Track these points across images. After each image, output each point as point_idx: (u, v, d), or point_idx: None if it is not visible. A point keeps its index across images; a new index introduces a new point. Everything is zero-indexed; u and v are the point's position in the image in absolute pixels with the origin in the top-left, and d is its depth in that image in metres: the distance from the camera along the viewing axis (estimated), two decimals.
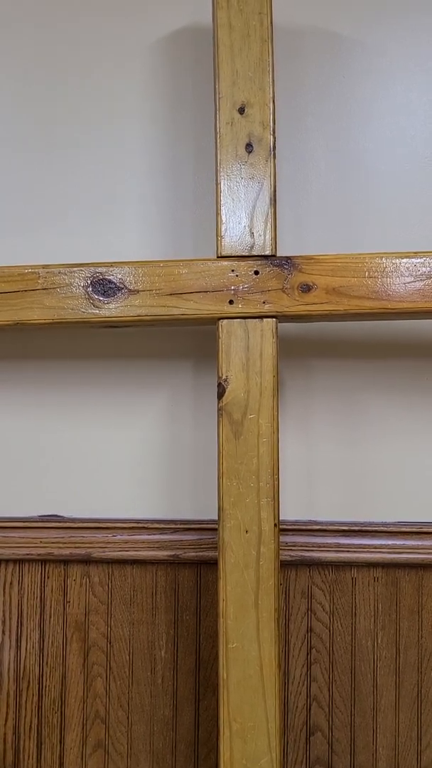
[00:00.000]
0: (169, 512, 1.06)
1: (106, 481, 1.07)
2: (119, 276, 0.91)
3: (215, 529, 0.95)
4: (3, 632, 1.06)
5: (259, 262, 0.89)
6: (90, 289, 0.91)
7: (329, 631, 1.02)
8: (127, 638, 1.05)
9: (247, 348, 0.88)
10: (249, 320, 0.89)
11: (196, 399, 1.06)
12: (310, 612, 1.02)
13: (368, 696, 1.02)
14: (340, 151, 1.05)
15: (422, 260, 0.87)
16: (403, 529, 1.01)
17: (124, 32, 1.07)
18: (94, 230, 1.07)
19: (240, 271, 0.89)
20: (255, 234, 0.89)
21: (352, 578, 1.02)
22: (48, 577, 1.05)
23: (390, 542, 1.01)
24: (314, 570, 1.02)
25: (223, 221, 0.90)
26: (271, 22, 0.90)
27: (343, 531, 1.02)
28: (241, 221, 0.90)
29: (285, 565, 1.02)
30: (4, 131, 1.08)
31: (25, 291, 0.91)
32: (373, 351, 1.04)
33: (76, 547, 1.04)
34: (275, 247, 0.89)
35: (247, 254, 0.89)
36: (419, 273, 0.87)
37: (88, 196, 1.07)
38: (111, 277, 0.91)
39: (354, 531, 1.02)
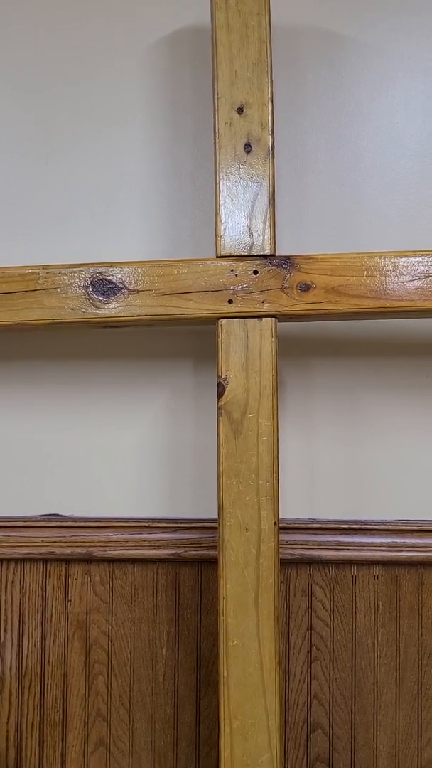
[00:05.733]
0: (169, 511, 1.06)
1: (107, 480, 1.07)
2: (119, 276, 0.91)
3: (215, 528, 0.96)
4: (5, 631, 1.06)
5: (258, 261, 0.89)
6: (90, 289, 0.91)
7: (329, 628, 1.03)
8: (128, 636, 1.05)
9: (246, 347, 0.89)
10: (248, 320, 0.89)
11: (196, 398, 1.06)
12: (310, 610, 1.03)
13: (369, 693, 1.02)
14: (338, 151, 1.05)
15: (420, 259, 0.88)
16: (403, 527, 1.02)
17: (123, 33, 1.07)
18: (94, 231, 1.07)
19: (239, 270, 0.89)
20: (254, 234, 0.90)
21: (353, 576, 1.02)
22: (49, 576, 1.06)
23: (390, 540, 1.01)
24: (314, 568, 1.03)
25: (222, 221, 0.90)
26: (270, 23, 0.90)
27: (343, 529, 1.02)
28: (240, 221, 0.90)
29: (285, 564, 1.02)
30: (4, 132, 1.09)
31: (26, 291, 0.92)
32: (373, 349, 1.04)
33: (77, 546, 1.04)
34: (274, 247, 0.90)
35: (246, 254, 0.90)
36: (418, 272, 0.88)
37: (88, 197, 1.08)
38: (111, 277, 0.91)
39: (354, 529, 1.02)
